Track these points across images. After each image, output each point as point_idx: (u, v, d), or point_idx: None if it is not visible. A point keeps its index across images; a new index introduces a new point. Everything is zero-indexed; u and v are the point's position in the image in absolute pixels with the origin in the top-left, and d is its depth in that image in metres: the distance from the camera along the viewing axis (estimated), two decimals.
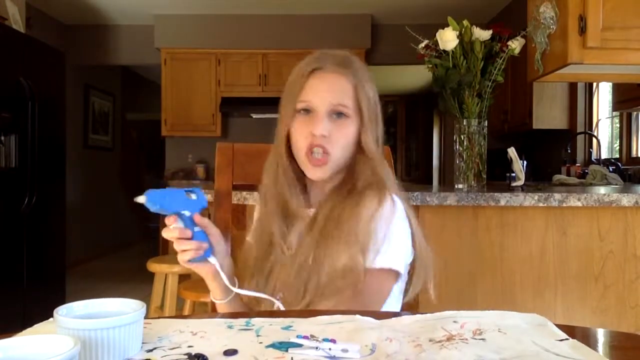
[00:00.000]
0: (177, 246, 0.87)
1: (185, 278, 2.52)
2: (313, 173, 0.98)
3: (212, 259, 0.89)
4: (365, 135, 1.00)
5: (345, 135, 0.99)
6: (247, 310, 0.99)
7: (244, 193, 1.70)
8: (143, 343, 0.63)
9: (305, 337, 0.63)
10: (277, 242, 0.99)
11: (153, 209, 0.82)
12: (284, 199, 1.00)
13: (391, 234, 0.96)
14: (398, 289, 1.02)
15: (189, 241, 0.86)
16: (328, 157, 0.97)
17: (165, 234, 0.86)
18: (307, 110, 0.98)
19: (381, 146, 1.03)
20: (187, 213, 0.85)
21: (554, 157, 4.44)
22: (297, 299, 0.93)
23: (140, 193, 0.80)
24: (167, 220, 0.86)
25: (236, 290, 0.93)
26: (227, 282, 0.91)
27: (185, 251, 0.87)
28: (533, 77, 2.19)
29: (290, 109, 1.00)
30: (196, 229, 0.86)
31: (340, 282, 0.90)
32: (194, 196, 0.86)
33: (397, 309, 1.04)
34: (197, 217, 0.87)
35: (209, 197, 1.85)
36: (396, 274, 0.98)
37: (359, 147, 1.00)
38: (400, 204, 0.99)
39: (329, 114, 0.98)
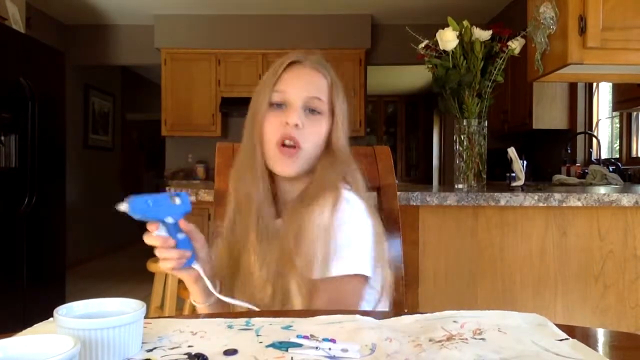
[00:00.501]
0: (159, 254, 0.85)
1: None
2: (282, 166, 0.95)
3: (195, 266, 0.87)
4: (337, 134, 1.00)
5: (318, 132, 0.97)
6: (227, 311, 0.96)
7: None
8: (143, 343, 0.63)
9: (306, 337, 0.63)
10: (247, 255, 0.97)
11: (136, 217, 0.79)
12: (260, 210, 0.96)
13: (351, 237, 0.93)
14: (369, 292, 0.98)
15: (172, 250, 0.84)
16: (299, 151, 0.95)
17: (147, 240, 0.84)
18: (280, 105, 0.96)
19: (348, 150, 1.03)
20: (170, 220, 0.82)
21: (554, 157, 4.44)
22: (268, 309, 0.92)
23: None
24: (149, 227, 0.83)
25: (219, 296, 0.90)
26: (211, 289, 0.88)
27: (168, 259, 0.85)
28: (533, 77, 2.19)
29: (264, 102, 0.97)
30: (180, 235, 0.84)
31: (308, 299, 0.89)
32: (178, 200, 0.83)
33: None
34: (182, 223, 0.84)
35: (209, 197, 1.85)
36: (364, 278, 0.94)
37: (326, 149, 0.99)
38: (358, 203, 0.95)
39: (303, 108, 0.96)
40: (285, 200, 1.01)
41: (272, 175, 0.99)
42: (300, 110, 0.96)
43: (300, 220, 0.93)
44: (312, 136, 0.97)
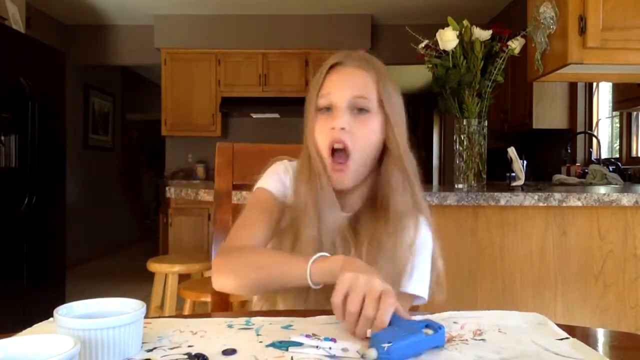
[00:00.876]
0: None
1: (185, 278, 2.52)
2: (336, 179, 0.93)
3: None
4: (392, 132, 0.95)
5: (368, 131, 0.93)
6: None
7: (244, 193, 1.70)
8: (143, 343, 0.63)
9: (307, 336, 0.63)
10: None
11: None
12: (321, 210, 0.93)
13: (422, 260, 0.96)
14: None
15: None
16: (349, 160, 0.92)
17: None
18: (328, 109, 0.94)
19: (410, 152, 0.99)
20: None
21: (554, 157, 4.44)
22: None
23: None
24: None
25: None
26: None
27: None
28: (533, 77, 2.19)
29: (312, 108, 0.96)
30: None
31: None
32: (430, 332, 0.63)
33: None
34: None
35: (209, 197, 1.85)
36: (417, 298, 0.98)
37: (387, 151, 0.96)
38: (428, 228, 0.99)
39: (349, 108, 0.93)
40: (351, 205, 0.99)
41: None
42: (345, 112, 0.92)
43: (379, 237, 0.92)
44: (363, 136, 0.93)
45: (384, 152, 0.96)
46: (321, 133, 0.94)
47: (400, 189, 0.94)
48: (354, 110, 0.93)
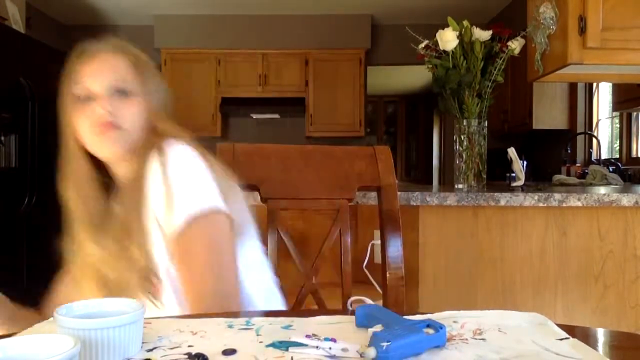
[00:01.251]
0: None
1: None
2: (103, 145, 0.89)
3: None
4: (155, 114, 0.93)
5: (132, 109, 0.90)
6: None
7: (244, 193, 1.70)
8: (143, 343, 0.63)
9: (307, 336, 0.63)
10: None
11: None
12: (93, 210, 0.92)
13: (187, 179, 0.86)
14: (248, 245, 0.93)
15: None
16: (118, 131, 0.88)
17: None
18: (86, 98, 0.89)
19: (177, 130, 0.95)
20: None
21: (554, 157, 4.44)
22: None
23: None
24: None
25: None
26: None
27: None
28: (533, 77, 2.19)
29: (69, 100, 0.90)
30: None
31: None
32: (431, 331, 0.63)
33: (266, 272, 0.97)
34: None
35: None
36: (218, 216, 0.86)
37: (150, 132, 0.91)
38: (177, 151, 0.88)
39: (110, 93, 0.89)
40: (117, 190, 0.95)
41: (102, 168, 0.94)
42: (107, 99, 0.89)
43: (131, 205, 0.87)
44: (128, 115, 0.90)
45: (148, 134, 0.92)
46: (84, 120, 0.89)
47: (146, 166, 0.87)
48: (114, 95, 0.90)
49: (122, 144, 0.89)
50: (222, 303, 0.83)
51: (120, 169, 0.93)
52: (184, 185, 0.85)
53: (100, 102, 0.88)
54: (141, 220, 0.86)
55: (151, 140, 0.89)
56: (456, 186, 1.98)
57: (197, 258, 0.84)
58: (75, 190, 0.92)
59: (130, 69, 0.93)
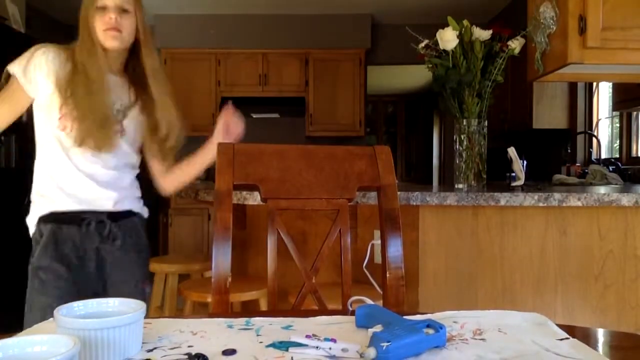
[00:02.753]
0: None
1: (185, 278, 2.52)
2: (111, 41, 1.41)
3: None
4: (142, 26, 1.48)
5: (130, 23, 1.44)
6: None
7: (244, 193, 1.70)
8: (143, 343, 0.63)
9: (307, 336, 0.63)
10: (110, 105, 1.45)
11: None
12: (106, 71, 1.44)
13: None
14: None
15: None
16: (118, 32, 1.41)
17: None
18: (103, 8, 1.41)
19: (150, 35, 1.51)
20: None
21: (554, 157, 4.44)
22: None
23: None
24: None
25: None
26: None
27: None
28: (533, 77, 2.19)
29: (91, 9, 1.43)
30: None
31: None
32: (431, 331, 0.63)
33: None
34: None
35: (209, 197, 1.84)
36: None
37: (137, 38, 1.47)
38: None
39: (117, 9, 1.41)
40: (116, 69, 1.51)
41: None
42: (115, 11, 1.41)
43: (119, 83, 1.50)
44: (127, 25, 1.43)
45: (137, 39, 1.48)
46: (99, 22, 1.42)
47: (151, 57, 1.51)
48: (120, 11, 1.42)
49: (120, 43, 1.44)
50: None
51: (116, 61, 1.49)
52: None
53: (111, 13, 1.41)
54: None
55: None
56: (456, 186, 1.98)
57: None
58: (93, 60, 1.43)
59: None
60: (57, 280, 1.40)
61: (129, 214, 1.52)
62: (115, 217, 1.48)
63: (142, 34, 1.48)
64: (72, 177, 1.42)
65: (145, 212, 1.60)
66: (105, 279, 1.48)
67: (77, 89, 1.40)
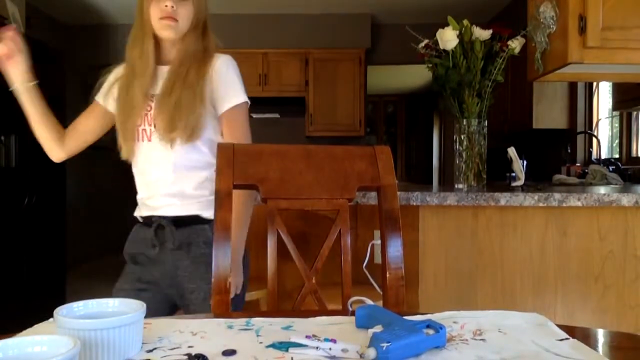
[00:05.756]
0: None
1: None
2: (166, 30, 1.35)
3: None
4: (200, 14, 1.42)
5: (187, 11, 1.37)
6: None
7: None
8: (143, 343, 0.63)
9: (307, 337, 0.63)
10: (145, 94, 1.38)
11: None
12: (150, 61, 1.38)
13: (236, 74, 1.43)
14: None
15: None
16: (174, 21, 1.35)
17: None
18: None
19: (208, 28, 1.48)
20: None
21: (554, 157, 4.44)
22: (166, 131, 1.34)
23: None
24: None
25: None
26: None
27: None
28: (533, 76, 2.19)
29: None
30: None
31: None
32: (431, 332, 0.63)
33: None
34: None
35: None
36: (246, 105, 1.43)
37: (197, 27, 1.42)
38: (228, 59, 1.47)
39: None
40: (169, 60, 1.42)
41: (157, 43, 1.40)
42: (172, 0, 1.34)
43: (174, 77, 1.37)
44: (184, 13, 1.37)
45: (196, 28, 1.42)
46: (155, 10, 1.34)
47: (193, 48, 1.41)
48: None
49: (176, 32, 1.37)
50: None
51: (171, 51, 1.41)
52: (236, 79, 1.43)
53: (167, 1, 1.34)
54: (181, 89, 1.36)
55: (197, 38, 1.43)
56: (456, 186, 1.98)
57: (240, 128, 1.42)
58: (139, 51, 1.39)
59: None
60: None
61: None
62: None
63: (194, 24, 1.40)
64: None
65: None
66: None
67: (120, 88, 1.42)
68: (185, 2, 1.37)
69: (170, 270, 1.39)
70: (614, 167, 3.50)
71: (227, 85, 1.40)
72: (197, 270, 1.36)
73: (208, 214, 1.39)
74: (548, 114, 4.24)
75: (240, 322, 0.72)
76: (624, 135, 3.79)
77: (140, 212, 1.44)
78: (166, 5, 1.33)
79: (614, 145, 4.03)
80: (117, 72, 1.46)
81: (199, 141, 1.38)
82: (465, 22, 1.88)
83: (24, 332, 0.64)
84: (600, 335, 0.76)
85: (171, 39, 1.38)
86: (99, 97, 1.49)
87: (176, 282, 1.39)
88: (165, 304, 1.41)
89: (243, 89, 1.43)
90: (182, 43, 1.40)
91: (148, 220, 1.41)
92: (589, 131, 4.14)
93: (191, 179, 1.39)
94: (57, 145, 1.53)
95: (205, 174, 1.40)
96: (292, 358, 0.59)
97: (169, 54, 1.41)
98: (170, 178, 1.38)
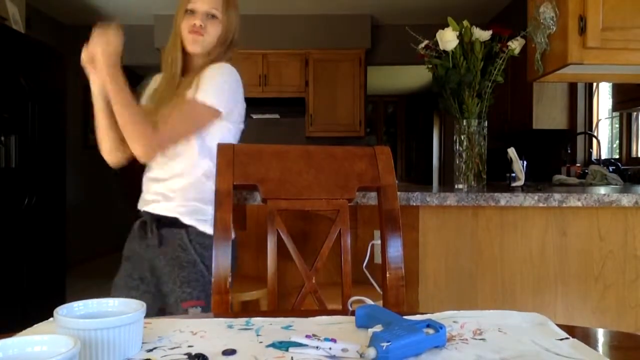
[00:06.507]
0: None
1: None
2: (192, 44, 1.44)
3: None
4: (229, 32, 1.50)
5: (215, 29, 1.46)
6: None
7: (245, 193, 1.70)
8: (143, 343, 0.63)
9: (307, 337, 0.63)
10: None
11: None
12: (176, 70, 1.47)
13: (215, 79, 1.39)
14: (225, 130, 1.43)
15: None
16: (202, 37, 1.43)
17: None
18: (192, 12, 1.45)
19: (235, 44, 1.54)
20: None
21: (554, 157, 4.44)
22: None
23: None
24: None
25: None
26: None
27: None
28: (533, 77, 2.19)
29: (182, 11, 1.46)
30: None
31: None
32: (431, 331, 0.63)
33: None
34: None
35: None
36: (216, 113, 1.39)
37: (224, 43, 1.49)
38: (231, 67, 1.45)
39: (205, 15, 1.45)
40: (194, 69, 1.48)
41: (187, 56, 1.48)
42: (202, 16, 1.45)
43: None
44: (211, 31, 1.45)
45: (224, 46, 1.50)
46: (186, 24, 1.44)
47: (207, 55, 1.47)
48: (208, 16, 1.45)
49: (202, 46, 1.45)
50: (154, 145, 1.37)
51: (197, 63, 1.47)
52: (213, 82, 1.39)
53: (198, 17, 1.44)
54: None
55: (220, 53, 1.48)
56: (456, 186, 1.98)
57: (178, 117, 1.38)
58: (169, 60, 1.48)
59: (222, 2, 1.48)
60: None
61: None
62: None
63: (222, 41, 1.48)
64: None
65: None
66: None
67: (153, 93, 1.52)
68: (214, 21, 1.46)
69: (151, 267, 1.44)
70: (614, 167, 3.50)
71: (205, 82, 1.39)
72: (173, 272, 1.39)
73: (187, 219, 1.40)
74: (548, 114, 4.24)
75: (240, 321, 0.72)
76: (624, 135, 3.79)
77: (139, 206, 1.51)
78: (194, 24, 1.43)
79: (614, 145, 4.03)
80: (156, 78, 1.56)
81: (191, 147, 1.42)
82: (465, 22, 1.88)
83: (24, 332, 0.64)
84: (600, 335, 0.76)
85: (197, 53, 1.46)
86: (142, 102, 1.53)
87: (156, 281, 1.44)
88: (154, 301, 1.44)
89: (222, 96, 1.39)
90: (207, 57, 1.47)
91: (139, 214, 1.49)
92: (589, 132, 4.14)
93: (178, 182, 1.43)
94: (121, 151, 1.52)
95: (190, 179, 1.42)
96: (292, 358, 0.59)
97: (196, 66, 1.47)
98: (161, 177, 1.46)
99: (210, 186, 1.40)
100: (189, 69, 1.48)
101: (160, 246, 1.41)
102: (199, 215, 1.41)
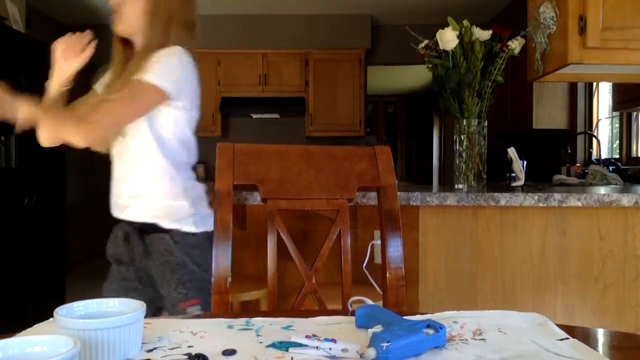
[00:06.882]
0: None
1: None
2: (115, 25, 1.42)
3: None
4: (158, 8, 1.38)
5: (133, 5, 1.38)
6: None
7: (244, 193, 1.70)
8: (143, 343, 0.63)
9: (307, 337, 0.63)
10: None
11: None
12: (113, 58, 1.51)
13: (162, 60, 1.30)
14: (179, 117, 1.35)
15: None
16: (120, 15, 1.39)
17: None
18: None
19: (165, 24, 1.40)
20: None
21: (554, 157, 4.44)
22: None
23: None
24: None
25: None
26: None
27: None
28: (533, 77, 2.19)
29: None
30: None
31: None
32: (431, 332, 0.63)
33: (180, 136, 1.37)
34: None
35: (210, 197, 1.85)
36: (161, 94, 1.29)
37: (155, 24, 1.38)
38: (182, 50, 1.35)
39: None
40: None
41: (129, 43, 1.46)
42: None
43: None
44: (129, 8, 1.38)
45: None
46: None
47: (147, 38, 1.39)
48: None
49: (125, 25, 1.41)
50: (95, 134, 1.30)
51: (138, 48, 1.41)
52: (157, 64, 1.30)
53: None
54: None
55: (161, 34, 1.37)
56: (456, 186, 1.98)
57: (120, 99, 1.30)
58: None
59: None
60: None
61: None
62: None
63: (149, 21, 1.38)
64: None
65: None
66: None
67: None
68: None
69: (145, 272, 1.41)
70: (614, 167, 3.50)
71: (151, 65, 1.30)
72: (165, 276, 1.36)
73: (167, 223, 1.36)
74: (548, 114, 4.24)
75: (240, 322, 0.72)
76: (624, 135, 3.79)
77: (112, 211, 1.48)
78: (112, 4, 1.39)
79: (614, 145, 4.03)
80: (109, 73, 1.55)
81: (143, 137, 1.36)
82: (465, 22, 1.88)
83: (24, 332, 0.64)
84: (600, 335, 0.76)
85: (124, 34, 1.43)
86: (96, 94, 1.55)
87: (151, 283, 1.41)
88: (151, 303, 1.41)
89: (167, 77, 1.30)
90: (149, 40, 1.37)
91: (119, 222, 1.44)
92: (589, 131, 4.14)
93: (139, 179, 1.40)
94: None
95: (151, 175, 1.38)
96: (292, 358, 0.59)
97: (138, 51, 1.41)
98: (130, 177, 1.41)
99: (179, 178, 1.38)
100: (133, 56, 1.42)
101: (147, 255, 1.38)
102: (177, 215, 1.36)
